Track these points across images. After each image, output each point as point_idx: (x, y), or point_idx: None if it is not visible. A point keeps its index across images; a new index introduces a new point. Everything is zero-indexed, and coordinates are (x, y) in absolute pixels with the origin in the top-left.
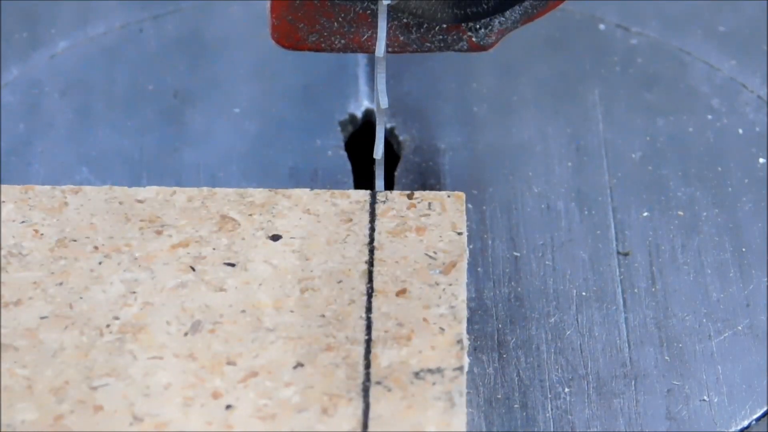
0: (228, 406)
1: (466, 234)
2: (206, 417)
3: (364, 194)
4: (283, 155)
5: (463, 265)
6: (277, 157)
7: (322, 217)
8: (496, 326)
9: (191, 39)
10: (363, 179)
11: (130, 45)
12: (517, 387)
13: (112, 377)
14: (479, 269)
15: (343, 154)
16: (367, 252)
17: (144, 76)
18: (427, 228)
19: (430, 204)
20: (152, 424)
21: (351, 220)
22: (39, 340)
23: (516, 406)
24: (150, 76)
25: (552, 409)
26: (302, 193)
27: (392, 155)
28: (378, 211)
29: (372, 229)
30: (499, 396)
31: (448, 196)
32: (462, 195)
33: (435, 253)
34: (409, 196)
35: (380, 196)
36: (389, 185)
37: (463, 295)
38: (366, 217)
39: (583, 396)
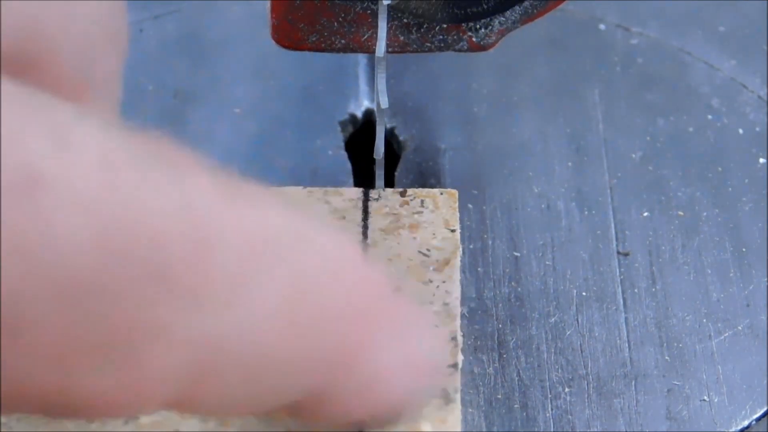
0: None
1: (459, 231)
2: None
3: (356, 192)
4: (283, 155)
5: (457, 262)
6: (277, 157)
7: (315, 214)
8: (496, 326)
9: (191, 39)
10: (363, 179)
11: (130, 45)
12: (517, 387)
13: None
14: (479, 269)
15: (343, 154)
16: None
17: (144, 76)
18: (420, 225)
19: (422, 201)
20: (147, 422)
21: (344, 217)
22: None
23: (516, 406)
24: (150, 76)
25: (552, 409)
26: (295, 191)
27: (392, 155)
28: (371, 209)
29: (365, 227)
30: (499, 396)
31: (441, 194)
32: (455, 192)
33: (428, 250)
34: (402, 194)
35: (373, 194)
36: (389, 185)
37: (456, 292)
38: (359, 215)
39: (583, 396)
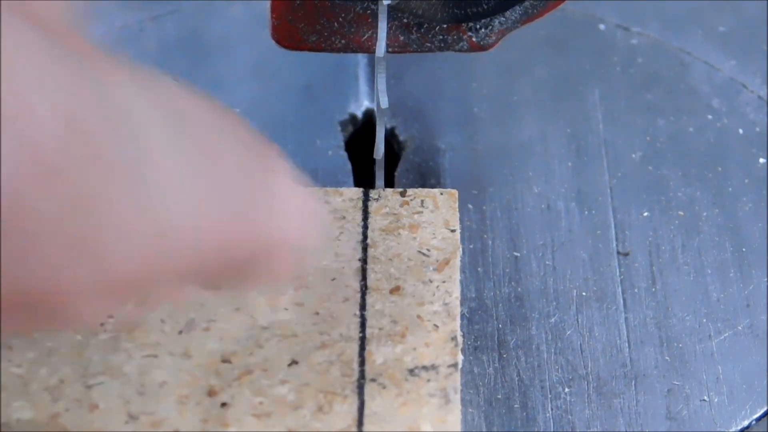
0: (223, 404)
1: (459, 231)
2: (202, 415)
3: (357, 192)
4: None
5: (456, 262)
6: None
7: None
8: (496, 326)
9: (191, 39)
10: (363, 179)
11: (130, 45)
12: (517, 387)
13: (107, 376)
14: (479, 269)
15: (343, 154)
16: (360, 250)
17: None
18: (420, 225)
19: (422, 201)
20: (147, 422)
21: (344, 218)
22: (33, 339)
23: (516, 406)
24: None
25: (552, 409)
26: None
27: (393, 155)
28: (371, 209)
29: (365, 227)
30: (499, 396)
31: (441, 194)
32: (455, 192)
33: (428, 250)
34: (402, 194)
35: (373, 194)
36: (389, 185)
37: (456, 292)
38: (359, 215)
39: (583, 396)
